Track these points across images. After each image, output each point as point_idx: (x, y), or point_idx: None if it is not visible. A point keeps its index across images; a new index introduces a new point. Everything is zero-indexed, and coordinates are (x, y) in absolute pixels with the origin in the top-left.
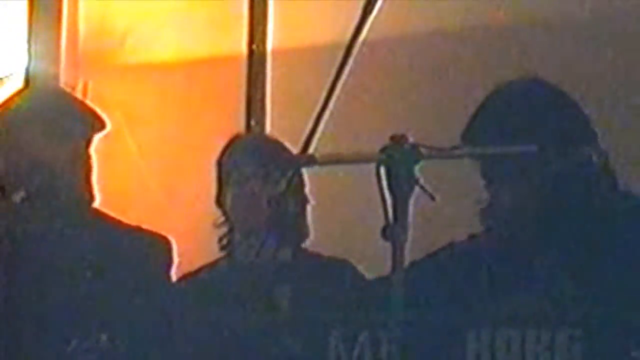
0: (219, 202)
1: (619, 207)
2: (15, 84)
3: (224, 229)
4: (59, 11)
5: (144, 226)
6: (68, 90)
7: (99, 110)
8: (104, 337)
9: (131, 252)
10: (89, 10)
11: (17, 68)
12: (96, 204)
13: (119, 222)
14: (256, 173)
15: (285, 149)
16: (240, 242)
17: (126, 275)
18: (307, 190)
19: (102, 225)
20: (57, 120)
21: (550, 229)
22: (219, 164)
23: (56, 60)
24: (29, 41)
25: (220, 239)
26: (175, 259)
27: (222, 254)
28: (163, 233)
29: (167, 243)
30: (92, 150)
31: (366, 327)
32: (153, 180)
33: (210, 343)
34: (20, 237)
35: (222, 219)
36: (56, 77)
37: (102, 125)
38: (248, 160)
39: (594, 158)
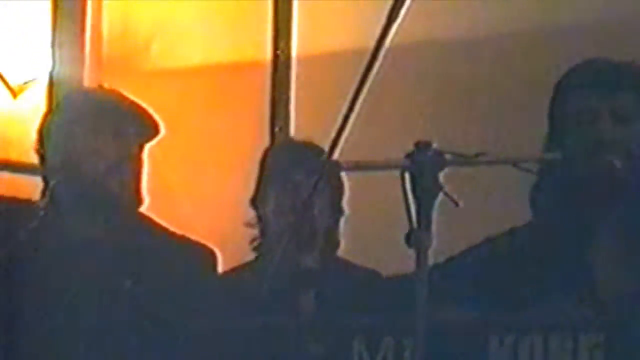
0: (254, 203)
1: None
2: (39, 88)
3: (256, 232)
4: (83, 16)
5: (190, 236)
6: (125, 93)
7: (155, 115)
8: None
9: (175, 261)
10: (113, 15)
11: (41, 72)
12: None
13: (165, 229)
14: (287, 178)
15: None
16: (267, 247)
17: (167, 286)
18: (344, 201)
19: (147, 232)
20: (112, 123)
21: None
22: (261, 167)
23: (80, 64)
24: (52, 46)
25: (252, 241)
26: (220, 271)
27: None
28: (209, 244)
29: (212, 254)
30: (145, 154)
31: (390, 334)
32: (178, 185)
33: (234, 347)
34: (57, 241)
35: (254, 220)
36: (80, 81)
37: (157, 131)
38: (284, 166)
39: (617, 164)
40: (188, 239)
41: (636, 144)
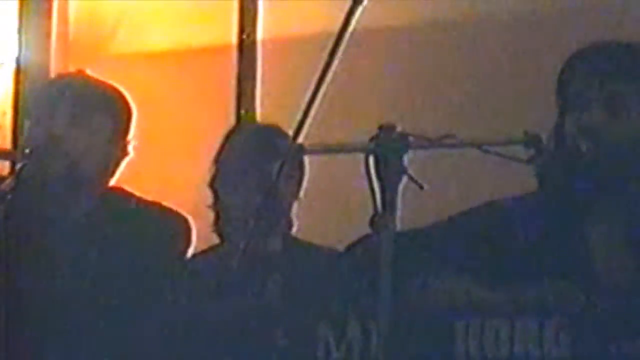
0: (213, 186)
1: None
2: (6, 73)
3: (216, 216)
4: (50, 1)
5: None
6: (95, 77)
7: (127, 96)
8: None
9: (148, 231)
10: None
11: (8, 57)
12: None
13: (138, 198)
14: (251, 162)
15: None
16: (232, 231)
17: (141, 256)
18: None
19: (118, 201)
20: (80, 107)
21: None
22: (222, 150)
23: (47, 49)
24: (19, 31)
25: (214, 224)
26: (194, 241)
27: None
28: (183, 213)
29: (186, 223)
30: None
31: (355, 318)
32: (146, 168)
33: (198, 332)
34: (26, 222)
35: (214, 203)
36: (47, 66)
37: (129, 114)
38: (243, 149)
39: (583, 148)
40: (162, 207)
41: (618, 135)
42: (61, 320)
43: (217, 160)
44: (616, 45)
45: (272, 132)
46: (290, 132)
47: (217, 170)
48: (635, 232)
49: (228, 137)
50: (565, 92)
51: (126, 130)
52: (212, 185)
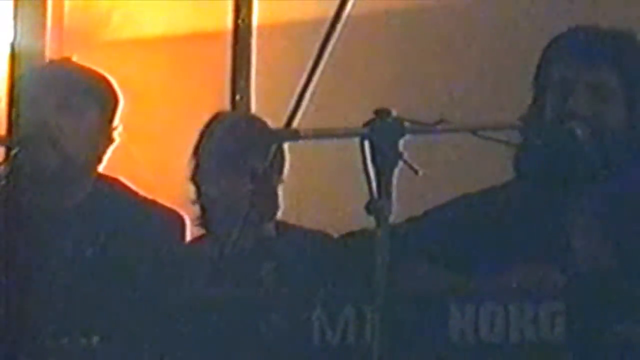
0: (195, 179)
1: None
2: (1, 59)
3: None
4: None
5: (158, 200)
6: (83, 64)
7: (114, 84)
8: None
9: (141, 227)
10: None
11: (3, 44)
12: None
13: (133, 193)
14: (238, 149)
15: (265, 125)
16: (223, 219)
17: (132, 253)
18: (285, 169)
19: (115, 197)
20: (68, 95)
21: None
22: (199, 142)
23: (42, 36)
24: (14, 17)
25: (199, 217)
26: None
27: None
28: (176, 208)
29: (181, 220)
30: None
31: (350, 302)
32: (140, 155)
33: (193, 319)
34: (18, 210)
35: (197, 197)
36: (42, 52)
37: (116, 100)
38: (230, 137)
39: (578, 132)
40: (157, 204)
41: (603, 121)
42: (57, 307)
43: (196, 153)
44: (598, 30)
45: (249, 120)
46: (285, 118)
47: (197, 163)
48: (617, 217)
49: (205, 130)
50: (548, 76)
51: (112, 117)
52: (193, 178)
